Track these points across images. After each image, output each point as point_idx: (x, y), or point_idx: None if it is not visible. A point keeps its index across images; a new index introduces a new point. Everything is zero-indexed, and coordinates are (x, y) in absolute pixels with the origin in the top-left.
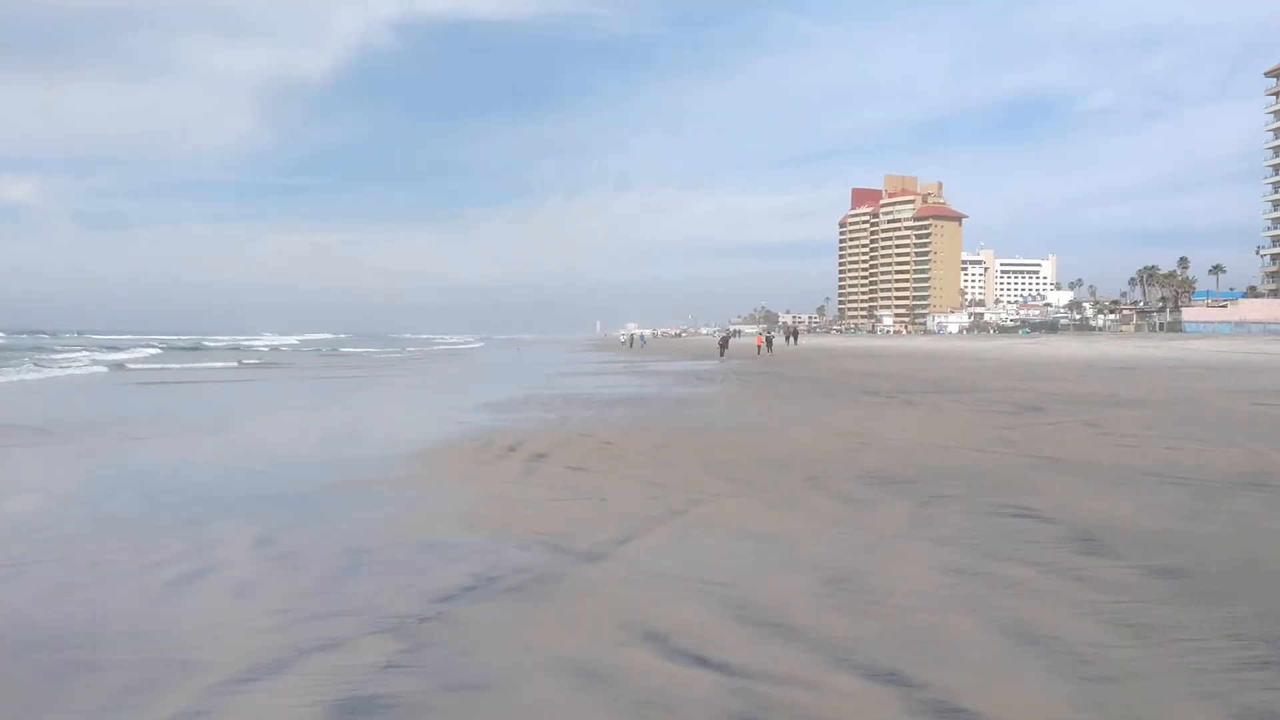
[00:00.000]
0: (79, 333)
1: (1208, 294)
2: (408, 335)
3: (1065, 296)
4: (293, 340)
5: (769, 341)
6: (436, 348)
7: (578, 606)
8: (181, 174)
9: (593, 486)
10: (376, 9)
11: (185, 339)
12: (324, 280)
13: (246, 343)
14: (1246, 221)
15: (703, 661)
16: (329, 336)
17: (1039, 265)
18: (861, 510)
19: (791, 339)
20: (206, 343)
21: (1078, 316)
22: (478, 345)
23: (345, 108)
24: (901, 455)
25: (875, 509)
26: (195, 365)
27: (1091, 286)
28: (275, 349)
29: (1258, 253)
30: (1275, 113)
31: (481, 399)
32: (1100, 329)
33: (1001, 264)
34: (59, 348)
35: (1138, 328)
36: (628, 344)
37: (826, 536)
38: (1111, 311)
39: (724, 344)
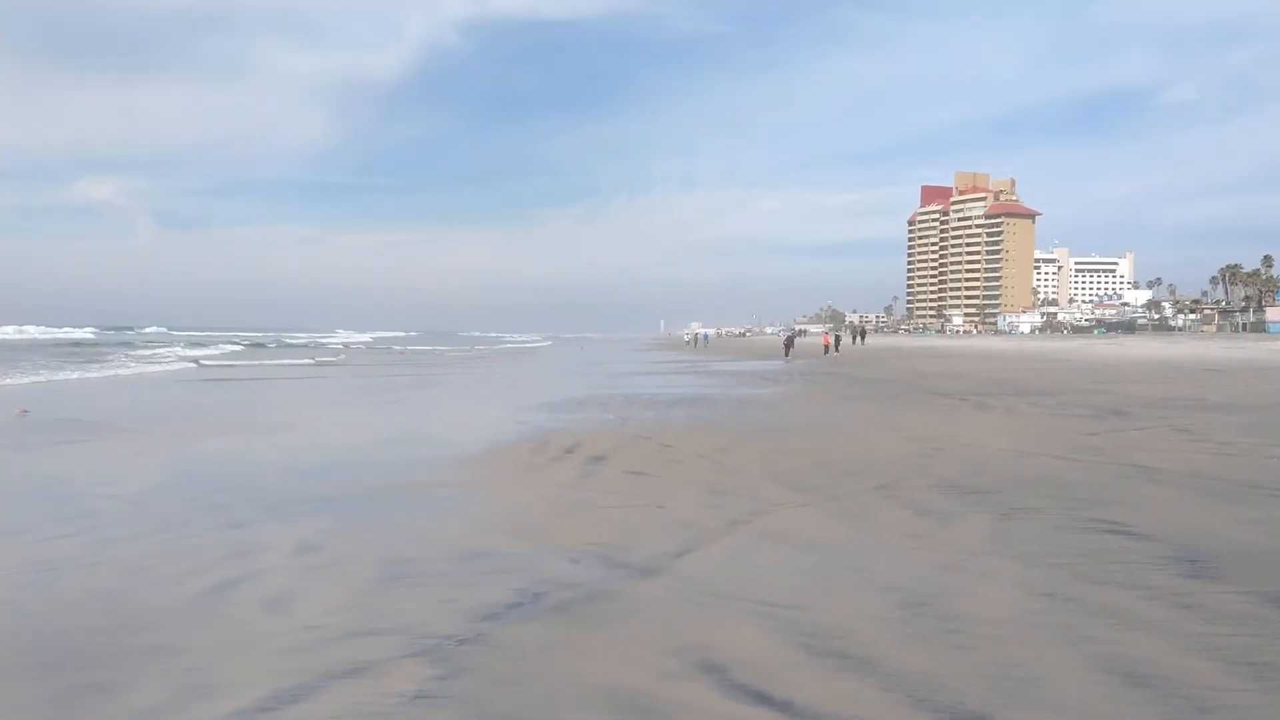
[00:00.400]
0: (168, 329)
1: None
2: (476, 334)
3: (1143, 296)
4: (366, 338)
5: (837, 341)
6: (504, 346)
7: (628, 629)
8: (255, 174)
9: (651, 492)
10: (446, 9)
11: (264, 335)
12: (394, 279)
13: (322, 340)
14: None
15: (764, 699)
16: (400, 334)
17: (1116, 264)
18: (938, 523)
19: (858, 338)
20: (286, 339)
21: (1156, 316)
22: (544, 344)
23: (414, 109)
24: (979, 462)
25: (953, 522)
26: (272, 362)
27: (1171, 285)
28: (348, 346)
29: None
30: None
31: (542, 398)
32: (1180, 329)
33: (1076, 263)
34: (141, 344)
35: (1220, 328)
36: (691, 343)
37: (900, 552)
38: (1192, 311)
39: (789, 343)
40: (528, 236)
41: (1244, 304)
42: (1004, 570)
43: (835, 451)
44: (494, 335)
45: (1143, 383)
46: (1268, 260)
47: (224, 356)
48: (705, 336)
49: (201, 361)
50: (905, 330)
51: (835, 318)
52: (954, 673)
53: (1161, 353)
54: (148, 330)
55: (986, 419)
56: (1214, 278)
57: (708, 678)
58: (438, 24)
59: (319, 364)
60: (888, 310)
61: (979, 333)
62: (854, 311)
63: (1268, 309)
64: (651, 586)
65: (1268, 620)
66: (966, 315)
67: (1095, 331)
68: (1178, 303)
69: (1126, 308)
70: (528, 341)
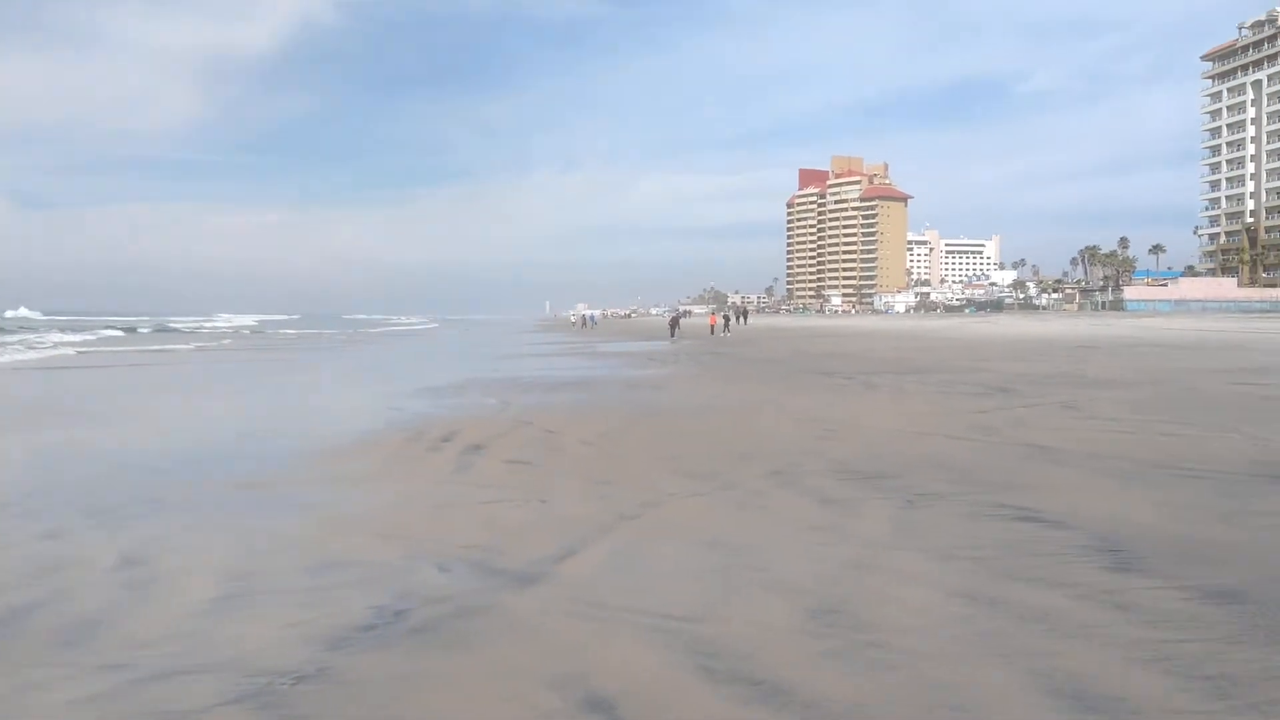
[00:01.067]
0: (41, 313)
1: (1147, 273)
2: (361, 316)
3: (1009, 276)
4: (250, 320)
5: (726, 322)
6: (389, 329)
7: (501, 654)
8: (120, 151)
9: (532, 485)
10: None
11: (141, 319)
12: (273, 261)
13: (205, 324)
14: (1183, 202)
15: None
16: (283, 317)
17: (983, 245)
18: (840, 513)
19: (741, 319)
20: (169, 324)
21: (1021, 296)
22: (431, 326)
23: (287, 84)
24: (874, 444)
25: (856, 511)
26: (155, 348)
27: (1034, 266)
28: (236, 331)
29: (1195, 233)
30: (1212, 95)
31: (420, 383)
32: (1044, 308)
33: (946, 244)
34: (13, 329)
35: (1080, 306)
36: (579, 324)
37: (804, 548)
38: (1055, 290)
39: (675, 324)
40: (407, 217)
41: (1103, 283)
42: (917, 567)
43: (726, 434)
44: (379, 318)
45: (1022, 360)
46: (1124, 242)
47: (101, 342)
48: (593, 318)
49: (80, 349)
50: (786, 310)
51: (718, 298)
52: (880, 700)
53: (1034, 330)
54: (11, 314)
55: (875, 399)
56: (1074, 258)
57: (595, 716)
58: None
59: (199, 350)
60: (769, 291)
61: (857, 312)
62: (736, 292)
63: (1125, 288)
64: (530, 599)
65: (1213, 622)
66: (845, 295)
67: (967, 310)
68: (1041, 282)
69: (994, 287)
70: (415, 324)
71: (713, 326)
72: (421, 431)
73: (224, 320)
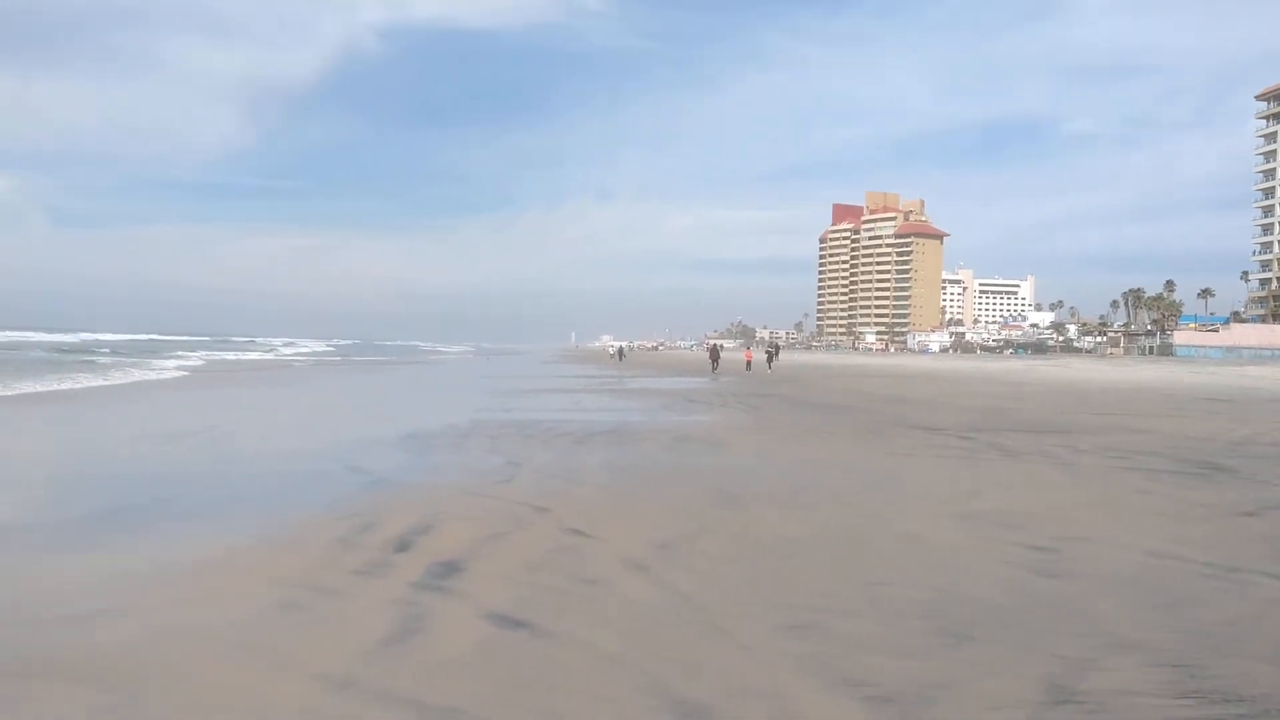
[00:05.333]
0: (107, 335)
1: (1195, 318)
2: (398, 342)
3: (1046, 317)
4: (315, 345)
5: (769, 357)
6: (432, 356)
7: None
8: (161, 174)
9: (535, 685)
10: (362, 13)
11: (199, 339)
12: (303, 286)
13: (278, 349)
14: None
15: None
16: (341, 343)
17: (1018, 286)
18: None
19: (772, 356)
20: (250, 346)
21: (1061, 338)
22: (465, 353)
23: (328, 112)
24: (1130, 583)
25: None
26: (246, 363)
27: (1072, 308)
28: (309, 354)
29: (1243, 278)
30: (1266, 136)
31: (413, 424)
32: (1088, 351)
33: (980, 284)
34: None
35: (1127, 351)
36: (616, 356)
37: None
38: (1099, 334)
39: (715, 358)
40: (440, 245)
41: (1151, 327)
42: None
43: (865, 554)
44: (423, 344)
45: (1167, 416)
46: (1170, 285)
47: (207, 365)
48: (625, 351)
49: (180, 371)
50: (817, 347)
51: (746, 333)
52: None
53: (1115, 376)
54: (74, 339)
55: (1041, 477)
56: (1115, 301)
57: None
58: (354, 27)
59: (286, 368)
60: (798, 327)
61: (893, 351)
62: (764, 327)
63: (1175, 333)
64: None
65: None
66: (878, 333)
67: (1007, 352)
68: (1084, 325)
69: (1035, 329)
70: (450, 352)
71: (749, 362)
72: (373, 523)
73: (276, 343)
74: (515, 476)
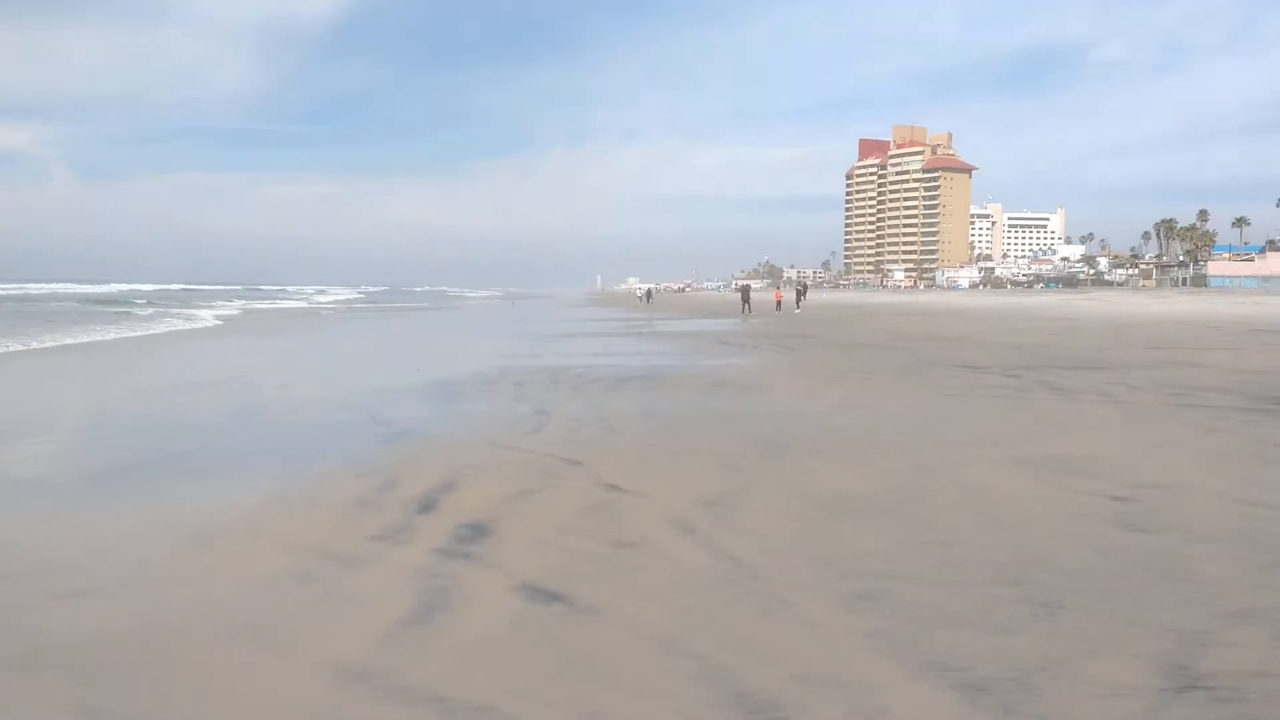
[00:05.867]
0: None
1: (1229, 248)
2: (427, 288)
3: (1077, 251)
4: (347, 294)
5: (798, 296)
6: (466, 300)
7: None
8: (182, 122)
9: (573, 674)
10: None
11: (232, 288)
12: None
13: (316, 296)
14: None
15: None
16: (373, 289)
17: (1047, 219)
18: None
19: (801, 295)
20: (282, 294)
21: (1093, 271)
22: (497, 297)
23: (346, 55)
24: (1238, 538)
25: None
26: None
27: (1103, 241)
28: (342, 301)
29: (1279, 205)
30: None
31: (439, 372)
32: (1120, 284)
33: (1009, 218)
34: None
35: (1159, 283)
36: (643, 299)
37: None
38: (1131, 266)
39: (746, 299)
40: (463, 189)
41: (1184, 259)
42: None
43: (927, 506)
44: (439, 289)
45: (1218, 349)
46: (1203, 215)
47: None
48: (652, 293)
49: (219, 319)
50: (845, 285)
51: (773, 273)
52: None
53: (1160, 309)
54: (105, 289)
55: (1099, 417)
56: (1146, 233)
57: None
58: None
59: (328, 312)
60: (825, 265)
61: (922, 288)
62: (791, 266)
63: (1208, 263)
64: None
65: None
66: (906, 270)
67: (1038, 287)
68: (1116, 257)
69: (1066, 263)
70: (479, 296)
71: (779, 302)
72: (395, 480)
73: (317, 291)
74: (545, 426)
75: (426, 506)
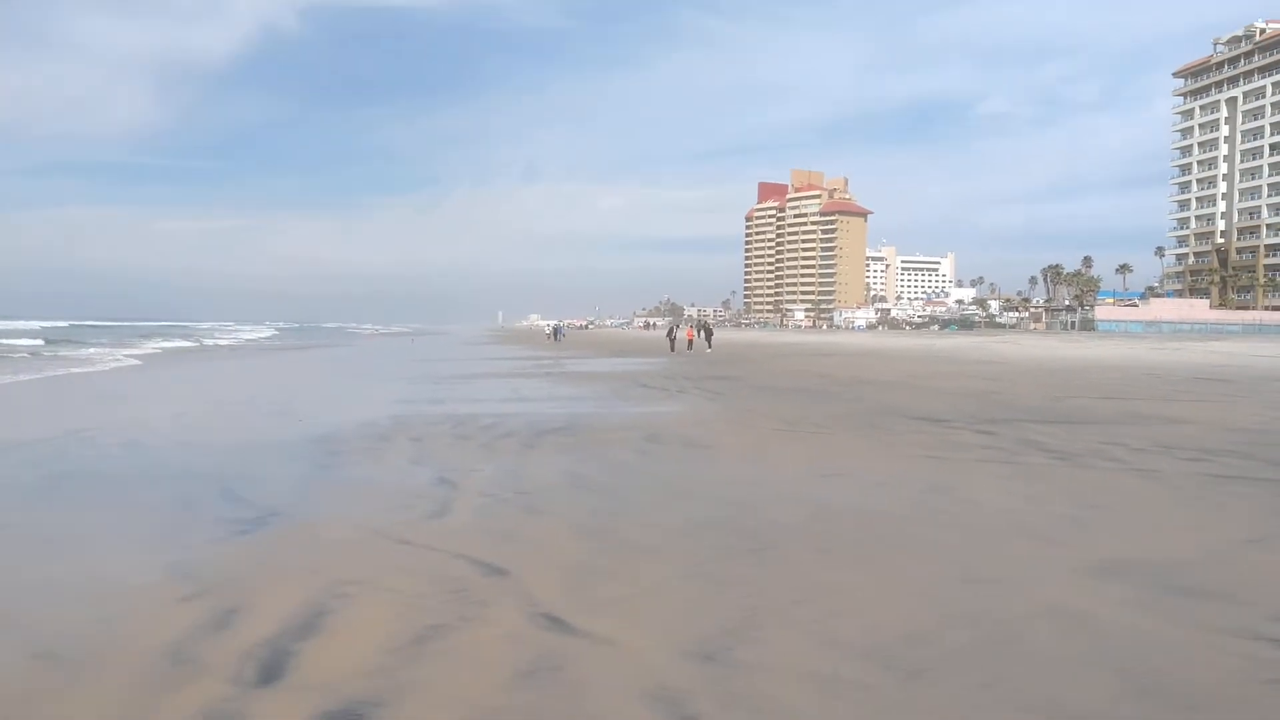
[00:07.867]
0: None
1: (1112, 293)
2: (333, 325)
3: (968, 294)
4: (257, 332)
5: (707, 336)
6: (370, 336)
7: None
8: (68, 155)
9: None
10: None
11: (153, 325)
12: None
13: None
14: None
15: None
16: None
17: (938, 263)
18: None
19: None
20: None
21: (984, 314)
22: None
23: (248, 89)
24: None
25: None
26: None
27: (993, 285)
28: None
29: (1158, 254)
30: (1183, 113)
31: (319, 423)
32: (1011, 326)
33: (902, 261)
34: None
35: (1049, 326)
36: (551, 336)
37: None
38: (1022, 309)
39: (673, 338)
40: (365, 225)
41: (1073, 303)
42: None
43: (1027, 657)
44: (335, 326)
45: (1183, 401)
46: (1088, 261)
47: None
48: (561, 331)
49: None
50: (747, 324)
51: (674, 310)
52: None
53: (1079, 354)
54: (9, 325)
55: (1136, 494)
56: (1033, 278)
57: None
58: (273, 3)
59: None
60: (725, 304)
61: (823, 327)
62: (692, 304)
63: (1096, 308)
64: None
65: None
66: (805, 310)
67: (935, 328)
68: (1007, 301)
69: (958, 305)
70: (385, 332)
71: (690, 341)
72: (231, 608)
73: (217, 326)
74: (451, 504)
75: (272, 669)
